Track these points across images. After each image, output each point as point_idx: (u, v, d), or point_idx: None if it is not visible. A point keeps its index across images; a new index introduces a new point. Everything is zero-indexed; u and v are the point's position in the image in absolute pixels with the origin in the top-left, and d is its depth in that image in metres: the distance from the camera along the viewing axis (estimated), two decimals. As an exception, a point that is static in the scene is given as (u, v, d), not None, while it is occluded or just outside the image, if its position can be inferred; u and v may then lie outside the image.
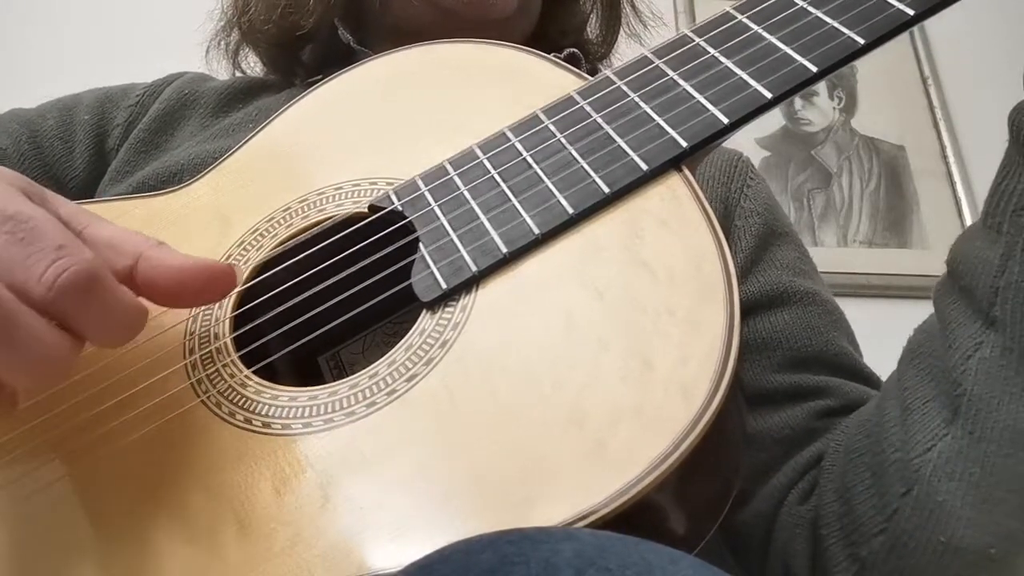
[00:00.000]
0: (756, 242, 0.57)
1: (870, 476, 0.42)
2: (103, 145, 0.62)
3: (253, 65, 0.70)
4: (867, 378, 0.54)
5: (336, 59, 0.61)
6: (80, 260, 0.31)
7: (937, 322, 0.41)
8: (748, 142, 1.42)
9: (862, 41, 0.38)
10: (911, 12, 0.37)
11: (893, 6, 0.38)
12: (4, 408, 0.32)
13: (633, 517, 0.29)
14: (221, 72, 0.71)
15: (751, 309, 0.54)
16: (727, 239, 0.57)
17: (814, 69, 0.38)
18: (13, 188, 0.33)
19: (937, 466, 0.39)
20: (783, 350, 0.53)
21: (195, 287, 0.35)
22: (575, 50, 0.66)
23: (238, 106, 0.64)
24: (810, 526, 0.46)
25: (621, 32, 0.72)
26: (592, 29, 0.72)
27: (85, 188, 0.60)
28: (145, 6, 1.41)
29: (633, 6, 0.73)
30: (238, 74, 0.71)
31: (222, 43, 0.70)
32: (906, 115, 1.53)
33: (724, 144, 0.40)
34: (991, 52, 1.51)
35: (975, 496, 0.38)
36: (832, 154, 1.50)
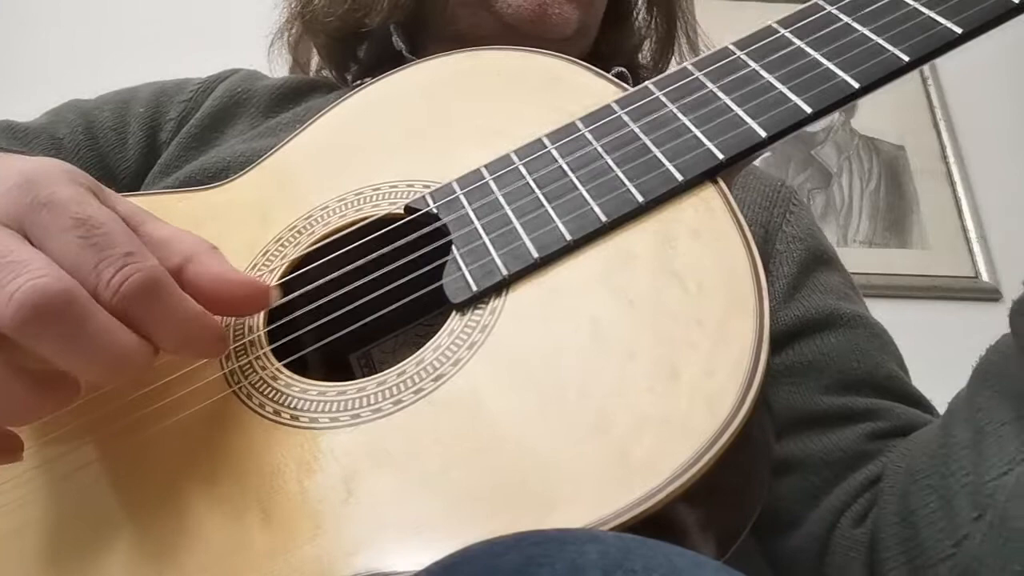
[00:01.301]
0: (799, 268, 0.57)
1: (936, 499, 0.41)
2: (155, 138, 0.64)
3: (311, 60, 0.72)
4: (918, 401, 0.53)
5: (386, 63, 0.62)
6: (145, 267, 0.32)
7: (1014, 344, 0.40)
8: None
9: (907, 59, 0.37)
10: (959, 31, 0.37)
11: (940, 24, 0.37)
12: (66, 397, 0.33)
13: (653, 526, 0.29)
14: (279, 67, 0.72)
15: (798, 332, 0.54)
16: (768, 264, 0.57)
17: (857, 85, 0.37)
18: (83, 188, 0.34)
19: (1014, 492, 0.37)
20: (832, 373, 0.52)
21: (233, 300, 0.36)
22: (623, 69, 0.67)
23: (288, 106, 0.65)
24: (866, 549, 0.45)
25: (673, 61, 0.73)
26: (644, 56, 0.73)
27: (135, 179, 0.62)
28: (150, 4, 1.44)
29: (688, 37, 0.73)
30: (296, 70, 0.72)
31: (284, 35, 0.72)
32: (906, 115, 1.52)
33: (766, 169, 0.40)
34: (991, 52, 1.49)
35: None
36: (832, 154, 1.49)
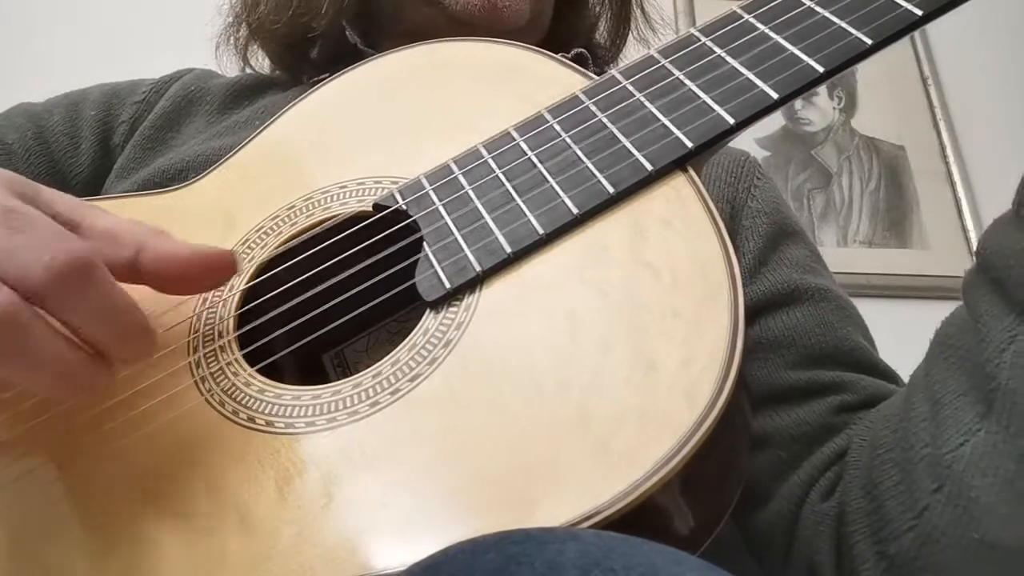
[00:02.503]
0: (764, 242, 0.57)
1: (898, 472, 0.41)
2: (108, 141, 0.62)
3: (261, 60, 0.71)
4: (883, 372, 0.53)
5: (343, 58, 0.61)
6: (77, 248, 0.32)
7: (968, 315, 0.40)
8: (748, 142, 1.42)
9: (870, 41, 0.37)
10: (919, 12, 0.37)
11: (901, 6, 0.38)
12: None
13: (636, 518, 0.29)
14: (230, 68, 0.71)
15: (764, 308, 0.54)
16: (735, 239, 0.57)
17: (821, 69, 0.37)
18: (8, 191, 0.33)
19: (970, 462, 0.38)
20: (798, 347, 0.52)
21: (198, 275, 0.36)
22: (582, 50, 0.66)
23: (244, 103, 0.64)
24: (834, 523, 0.46)
25: (630, 37, 0.72)
26: (601, 34, 0.72)
27: (90, 184, 0.61)
28: (145, 3, 1.41)
29: (643, 11, 0.73)
30: (247, 70, 0.71)
31: (231, 39, 0.70)
32: (906, 115, 1.52)
33: (731, 144, 0.40)
34: (991, 52, 1.51)
35: (1011, 493, 0.37)
36: (832, 154, 1.50)
